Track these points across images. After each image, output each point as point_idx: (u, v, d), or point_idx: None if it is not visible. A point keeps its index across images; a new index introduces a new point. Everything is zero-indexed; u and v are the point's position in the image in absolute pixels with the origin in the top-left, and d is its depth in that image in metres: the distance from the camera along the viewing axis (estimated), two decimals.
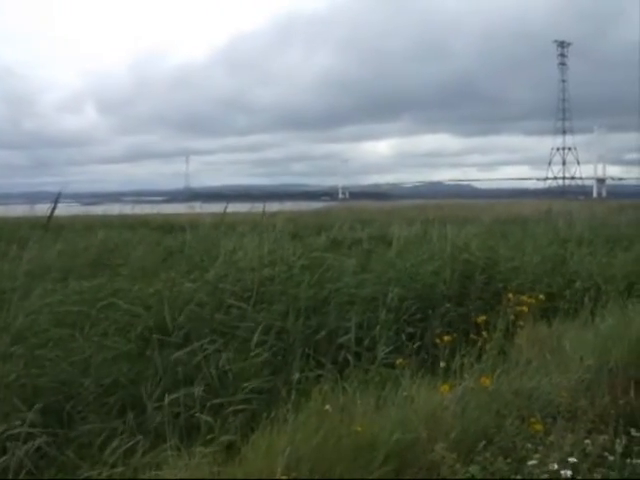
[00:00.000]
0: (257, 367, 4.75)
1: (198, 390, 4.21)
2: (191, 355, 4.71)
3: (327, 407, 3.52)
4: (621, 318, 5.44)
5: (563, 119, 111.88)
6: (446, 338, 4.94)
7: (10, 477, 3.34)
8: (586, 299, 6.50)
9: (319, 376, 4.59)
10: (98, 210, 28.37)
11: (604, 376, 4.22)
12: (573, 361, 4.47)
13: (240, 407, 4.17)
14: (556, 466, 2.95)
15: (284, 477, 2.95)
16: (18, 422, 3.62)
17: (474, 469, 3.03)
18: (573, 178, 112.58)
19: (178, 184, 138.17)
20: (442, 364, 4.53)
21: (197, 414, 4.01)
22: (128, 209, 27.87)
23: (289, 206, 30.97)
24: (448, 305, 6.69)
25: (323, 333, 5.50)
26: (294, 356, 5.15)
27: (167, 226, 18.55)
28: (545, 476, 2.93)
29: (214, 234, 9.31)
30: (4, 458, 3.39)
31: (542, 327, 5.69)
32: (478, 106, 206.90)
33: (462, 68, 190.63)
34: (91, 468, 3.41)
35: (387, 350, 5.20)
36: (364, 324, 5.78)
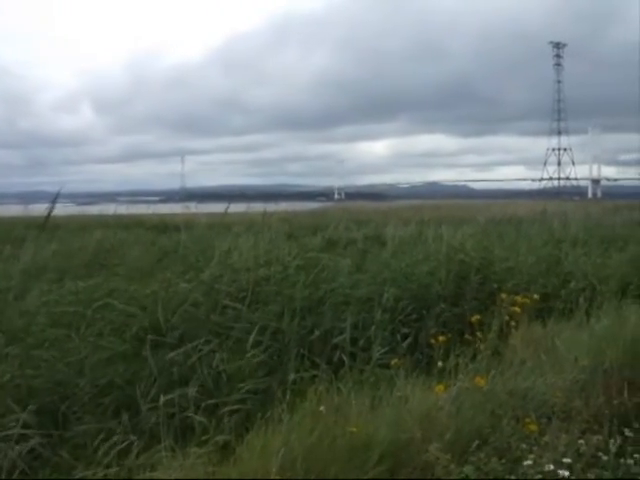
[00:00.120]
0: (252, 367, 4.74)
1: (193, 391, 4.21)
2: (186, 356, 4.70)
3: (322, 407, 3.52)
4: (616, 319, 5.44)
5: (558, 120, 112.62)
6: (441, 338, 4.95)
7: (3, 477, 3.34)
8: (581, 299, 6.49)
9: (314, 376, 4.58)
10: (94, 210, 28.34)
11: (599, 376, 4.22)
12: (568, 361, 4.47)
13: (235, 407, 4.17)
14: (551, 466, 2.96)
15: (279, 477, 2.95)
16: (12, 423, 3.62)
17: (468, 469, 3.04)
18: (568, 179, 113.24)
19: (174, 184, 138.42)
20: (439, 364, 4.54)
21: (192, 415, 4.01)
22: (124, 209, 27.77)
23: (285, 206, 30.98)
24: (443, 305, 6.68)
25: (318, 333, 5.49)
26: (289, 356, 5.14)
27: (162, 226, 18.54)
28: (539, 476, 2.94)
29: (209, 234, 9.30)
30: None
31: (537, 327, 5.69)
32: (474, 107, 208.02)
33: (458, 69, 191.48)
34: (85, 468, 3.41)
35: (382, 350, 5.19)
36: (359, 324, 5.78)
